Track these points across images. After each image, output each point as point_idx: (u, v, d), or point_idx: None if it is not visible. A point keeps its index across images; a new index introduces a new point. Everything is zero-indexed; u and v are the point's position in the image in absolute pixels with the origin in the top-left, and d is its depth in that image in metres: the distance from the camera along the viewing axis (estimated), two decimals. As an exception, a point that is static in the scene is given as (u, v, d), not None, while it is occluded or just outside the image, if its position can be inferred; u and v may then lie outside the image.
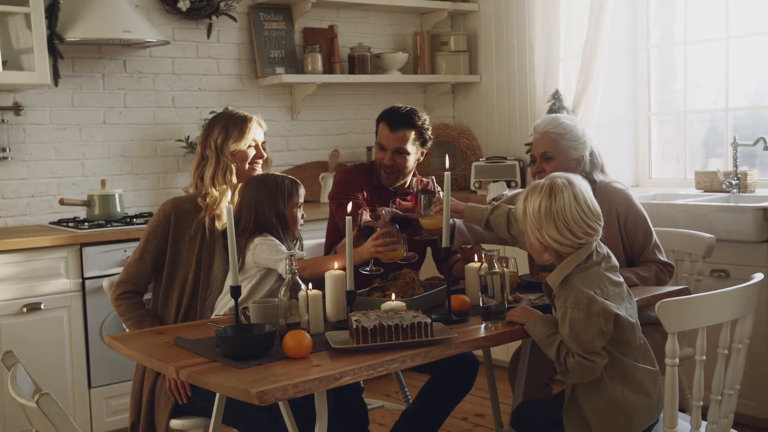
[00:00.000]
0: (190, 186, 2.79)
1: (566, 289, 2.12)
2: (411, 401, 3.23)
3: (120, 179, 4.16)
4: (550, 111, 4.46)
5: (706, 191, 4.09)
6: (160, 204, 2.77)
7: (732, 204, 3.64)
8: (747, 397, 3.28)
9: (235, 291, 2.20)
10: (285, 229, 2.66)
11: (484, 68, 5.18)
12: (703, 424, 2.12)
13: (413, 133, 3.02)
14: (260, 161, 2.81)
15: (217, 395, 2.34)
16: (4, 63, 3.62)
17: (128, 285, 2.66)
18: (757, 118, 4.31)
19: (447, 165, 2.42)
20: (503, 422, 3.05)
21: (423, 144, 3.08)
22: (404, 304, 2.30)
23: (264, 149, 2.81)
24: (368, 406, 3.01)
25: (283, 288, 2.18)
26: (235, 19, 4.46)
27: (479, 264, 2.41)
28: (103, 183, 3.90)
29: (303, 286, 2.20)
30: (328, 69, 4.71)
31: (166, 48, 4.26)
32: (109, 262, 3.57)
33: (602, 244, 2.23)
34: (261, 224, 2.63)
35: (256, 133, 2.77)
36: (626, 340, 2.13)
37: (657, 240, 2.79)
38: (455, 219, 2.73)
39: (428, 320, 2.11)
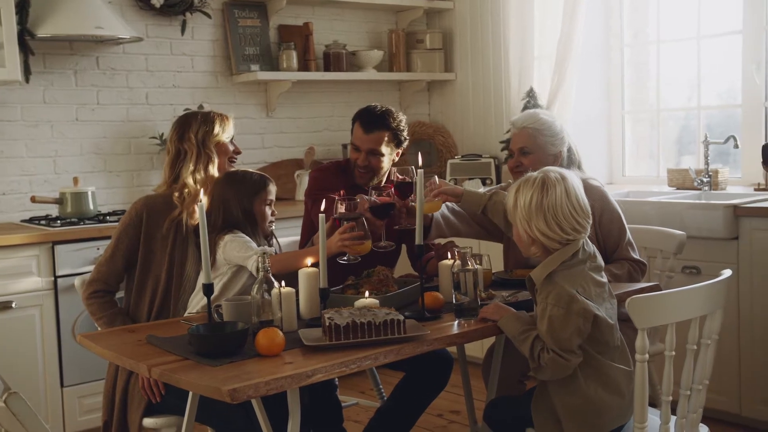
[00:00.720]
0: (162, 184, 2.77)
1: (549, 286, 2.14)
2: (386, 398, 3.24)
3: (93, 177, 4.13)
4: (525, 109, 4.48)
5: (678, 189, 4.13)
6: (133, 202, 2.75)
7: (703, 201, 3.68)
8: (716, 392, 3.33)
9: (208, 289, 2.20)
10: (254, 226, 2.65)
11: (459, 66, 5.19)
12: (673, 418, 2.14)
13: (388, 134, 2.99)
14: (237, 157, 2.83)
15: (191, 393, 2.33)
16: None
17: (99, 284, 2.64)
18: (728, 117, 4.36)
19: (420, 163, 2.43)
20: (477, 419, 3.06)
21: (398, 145, 3.07)
22: (377, 301, 2.30)
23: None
24: (343, 404, 3.02)
25: (256, 285, 2.18)
26: (209, 16, 4.44)
27: (453, 261, 2.43)
28: (75, 180, 3.86)
29: (276, 284, 2.20)
30: (303, 66, 4.70)
31: (140, 45, 4.23)
32: (81, 260, 3.54)
33: (589, 243, 2.25)
34: (229, 221, 2.62)
35: (233, 129, 2.81)
36: (604, 339, 2.15)
37: (630, 238, 2.82)
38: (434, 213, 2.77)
39: (401, 317, 2.11)
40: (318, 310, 2.35)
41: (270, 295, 2.19)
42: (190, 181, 2.67)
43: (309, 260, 2.41)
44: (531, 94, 4.51)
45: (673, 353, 2.06)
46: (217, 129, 2.72)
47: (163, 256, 2.64)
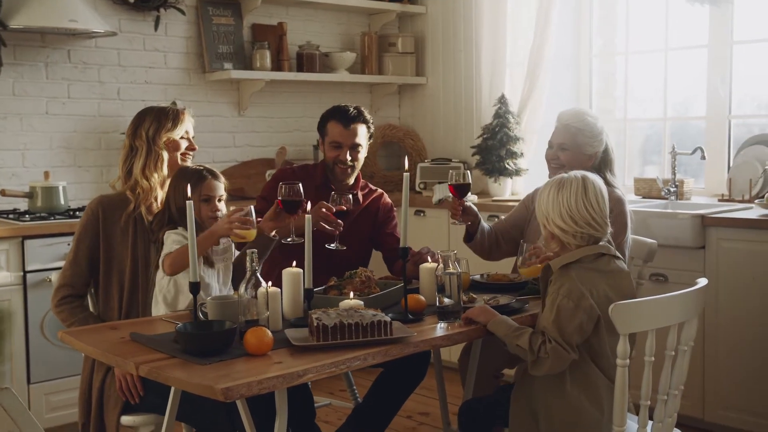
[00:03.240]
0: (117, 180, 2.76)
1: (562, 278, 2.22)
2: (359, 399, 3.26)
3: (62, 171, 4.07)
4: (497, 115, 4.55)
5: (644, 197, 4.22)
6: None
7: (671, 211, 3.77)
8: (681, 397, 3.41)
9: (194, 287, 2.19)
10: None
11: (430, 70, 5.23)
12: (649, 423, 2.20)
13: (365, 127, 3.14)
14: (192, 153, 2.80)
15: (172, 391, 2.32)
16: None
17: (66, 289, 2.60)
18: (682, 128, 4.48)
19: (406, 166, 2.45)
20: (450, 421, 3.10)
21: (370, 138, 3.20)
22: (362, 302, 2.32)
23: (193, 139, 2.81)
24: (315, 404, 3.02)
25: (244, 284, 2.18)
26: (183, 12, 4.41)
27: (435, 264, 2.46)
28: (46, 174, 3.81)
29: (263, 283, 2.20)
30: (277, 66, 4.70)
31: (113, 39, 4.19)
32: (51, 255, 3.49)
33: (624, 266, 2.32)
34: (170, 218, 2.58)
35: (188, 125, 2.78)
36: (601, 348, 2.21)
37: (627, 252, 2.89)
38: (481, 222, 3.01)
39: (388, 319, 2.13)
40: (301, 310, 2.37)
41: (256, 294, 2.20)
42: (140, 177, 2.65)
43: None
44: (502, 101, 4.57)
45: (653, 359, 2.12)
46: (168, 125, 2.69)
47: (125, 252, 2.62)
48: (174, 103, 4.19)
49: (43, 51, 4.02)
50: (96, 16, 3.94)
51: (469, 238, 3.05)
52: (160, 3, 4.31)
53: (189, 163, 2.77)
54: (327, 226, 2.77)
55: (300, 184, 2.61)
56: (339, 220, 2.78)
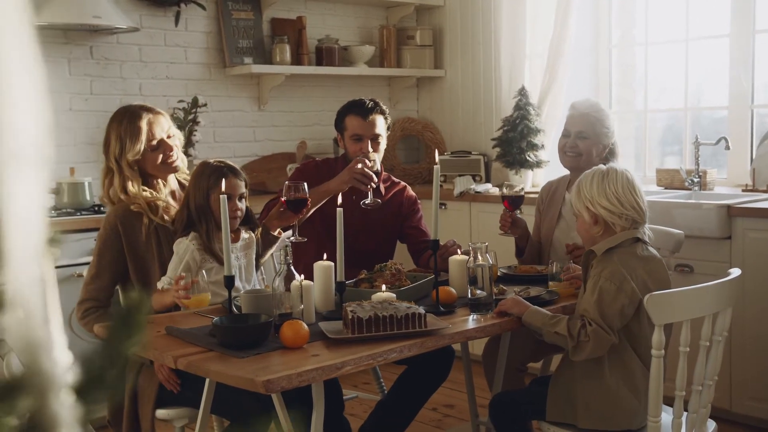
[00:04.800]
0: (103, 196, 2.68)
1: (605, 262, 2.24)
2: (386, 392, 3.27)
3: (86, 167, 4.09)
4: (517, 107, 4.54)
5: (666, 188, 4.21)
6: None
7: (696, 201, 3.76)
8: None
9: (229, 281, 2.20)
10: (209, 223, 2.52)
11: (449, 63, 5.23)
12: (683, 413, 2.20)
13: (382, 118, 3.15)
14: (172, 154, 2.67)
15: (206, 384, 2.34)
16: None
17: (90, 302, 2.58)
18: (699, 118, 4.46)
19: (436, 159, 2.46)
20: (478, 413, 3.10)
21: (388, 129, 3.22)
22: (394, 295, 2.33)
23: (172, 138, 2.67)
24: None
25: (278, 278, 2.19)
26: (203, 8, 4.42)
27: (466, 257, 2.46)
28: (72, 171, 3.83)
29: (297, 276, 2.21)
30: (296, 60, 4.71)
31: (134, 35, 4.20)
32: (79, 251, 3.52)
33: (657, 253, 2.34)
34: (188, 219, 2.54)
35: (153, 131, 2.62)
36: (642, 333, 2.23)
37: None
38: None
39: (422, 311, 2.14)
40: (333, 302, 2.38)
41: (290, 288, 2.21)
42: (124, 196, 2.58)
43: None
44: (522, 93, 4.56)
45: (687, 349, 2.12)
46: (127, 144, 2.57)
47: (152, 261, 2.60)
48: (195, 99, 4.23)
49: (65, 47, 4.04)
50: (118, 12, 3.96)
51: (519, 253, 3.08)
52: (181, -2, 4.32)
53: (178, 162, 2.69)
54: (361, 184, 2.85)
55: (305, 184, 2.63)
56: (373, 175, 2.85)
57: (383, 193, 3.22)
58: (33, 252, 0.41)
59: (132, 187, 2.58)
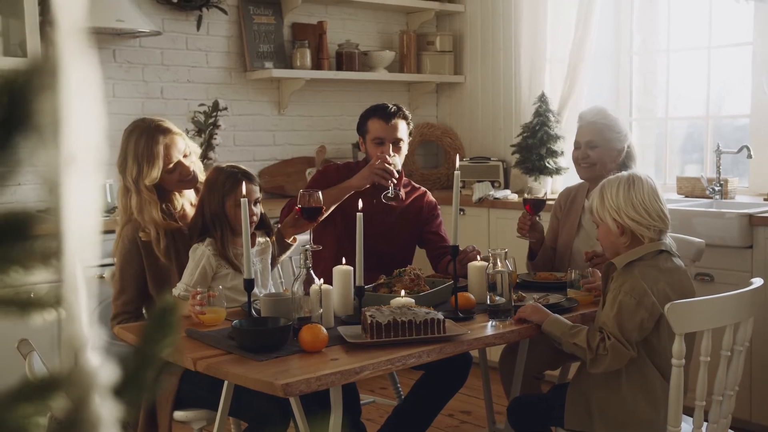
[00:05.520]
0: (121, 213, 2.67)
1: (626, 275, 2.22)
2: (403, 397, 3.26)
3: (108, 169, 4.11)
4: (537, 114, 4.53)
5: (687, 196, 4.18)
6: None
7: (717, 210, 3.73)
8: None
9: (249, 284, 2.21)
10: (224, 229, 2.53)
11: (468, 69, 5.23)
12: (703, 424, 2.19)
13: (404, 123, 3.15)
14: (190, 173, 2.67)
15: (225, 386, 2.35)
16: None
17: (122, 316, 2.59)
18: (719, 126, 4.43)
19: (457, 164, 2.46)
20: (495, 419, 3.10)
21: (410, 135, 3.21)
22: (413, 300, 2.33)
23: (188, 157, 2.67)
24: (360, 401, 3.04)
25: (297, 282, 2.20)
26: (225, 12, 4.45)
27: (486, 263, 2.46)
28: (92, 172, 3.86)
29: (316, 281, 2.22)
30: (317, 65, 4.72)
31: (156, 39, 4.24)
32: (100, 252, 3.54)
33: (682, 263, 2.32)
34: (203, 225, 2.54)
35: (170, 154, 2.62)
36: (661, 347, 2.21)
37: None
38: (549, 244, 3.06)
39: (441, 317, 2.14)
40: (352, 307, 2.38)
41: (309, 292, 2.21)
42: (140, 218, 2.57)
43: None
44: (542, 99, 4.55)
45: (708, 359, 2.11)
46: (144, 168, 2.56)
47: (172, 270, 2.60)
48: (216, 103, 4.24)
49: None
50: (141, 16, 3.99)
51: (531, 256, 3.07)
52: (203, 3, 4.35)
53: (195, 177, 2.68)
54: (382, 179, 2.89)
55: (320, 192, 2.64)
56: (394, 170, 2.91)
57: (404, 197, 3.22)
58: (85, 254, 0.42)
59: (152, 212, 2.57)
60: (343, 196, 2.96)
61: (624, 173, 2.36)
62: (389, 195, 2.89)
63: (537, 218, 2.98)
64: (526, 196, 2.97)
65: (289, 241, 2.76)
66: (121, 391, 0.41)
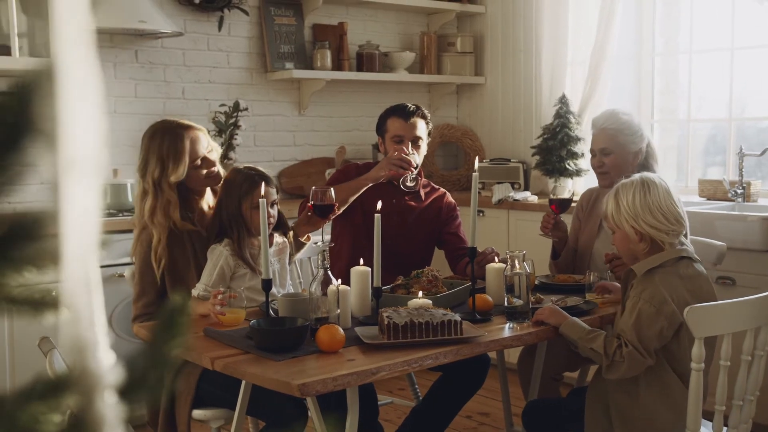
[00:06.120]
0: (136, 219, 2.65)
1: (646, 282, 2.20)
2: (420, 398, 3.26)
3: (129, 169, 4.13)
4: (557, 115, 4.51)
5: (709, 199, 4.15)
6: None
7: (740, 213, 3.70)
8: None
9: (267, 284, 2.22)
10: (242, 231, 2.53)
11: (489, 70, 5.22)
12: (724, 429, 2.17)
13: (424, 122, 3.15)
14: (215, 168, 2.67)
15: (242, 386, 2.36)
16: (19, 50, 3.60)
17: (143, 317, 2.60)
18: (741, 128, 4.39)
19: (475, 166, 2.46)
20: (513, 422, 3.09)
21: (429, 135, 3.21)
22: (431, 301, 2.33)
23: (211, 152, 2.67)
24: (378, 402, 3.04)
25: (314, 282, 2.21)
26: (246, 13, 4.47)
27: (503, 264, 2.46)
28: (114, 172, 3.89)
29: (334, 281, 2.22)
30: (337, 66, 4.73)
31: (178, 39, 4.26)
32: (120, 251, 3.57)
33: (703, 269, 2.30)
34: (220, 226, 2.55)
35: (196, 149, 2.61)
36: (681, 354, 2.19)
37: None
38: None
39: (458, 318, 2.14)
40: (369, 308, 2.39)
41: (326, 292, 2.22)
42: (149, 221, 2.55)
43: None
44: (563, 101, 4.53)
45: (728, 363, 2.09)
46: (170, 166, 2.55)
47: (189, 272, 2.60)
48: (237, 103, 4.26)
49: (111, 51, 4.11)
50: (163, 17, 4.02)
51: (554, 255, 3.05)
52: (225, 4, 4.37)
53: (219, 174, 2.68)
54: (399, 168, 2.93)
55: (332, 189, 2.65)
56: (411, 160, 2.95)
57: (423, 198, 3.22)
58: (86, 255, 0.43)
59: (170, 212, 2.55)
60: (361, 188, 2.97)
61: (636, 176, 2.31)
62: (407, 183, 2.90)
63: (560, 217, 2.98)
64: (551, 196, 2.95)
65: (302, 240, 2.77)
66: (130, 390, 0.42)
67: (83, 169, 0.43)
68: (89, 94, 0.45)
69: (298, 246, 2.79)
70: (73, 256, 0.42)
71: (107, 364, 0.44)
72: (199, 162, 2.62)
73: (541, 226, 3.00)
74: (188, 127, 2.64)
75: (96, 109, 0.46)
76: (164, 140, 2.58)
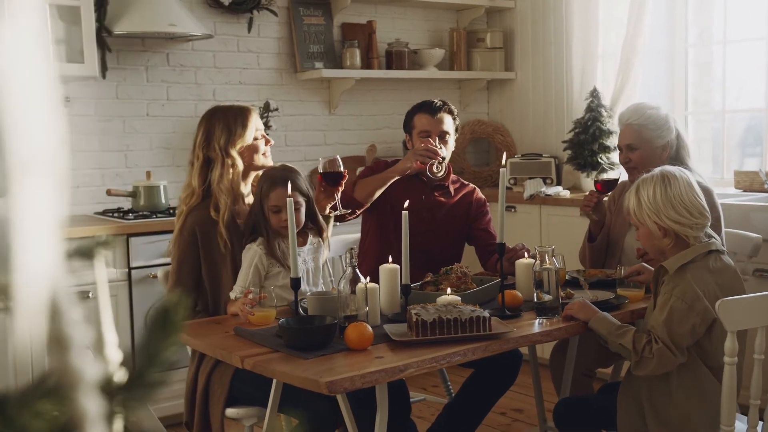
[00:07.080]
0: (193, 193, 2.66)
1: (677, 279, 2.17)
2: (453, 395, 3.26)
3: (161, 171, 4.21)
4: (589, 109, 4.48)
5: (745, 191, 4.09)
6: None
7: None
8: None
9: (295, 283, 2.24)
10: (268, 229, 2.53)
11: (519, 65, 5.19)
12: (759, 423, 2.13)
13: (450, 118, 3.15)
14: (268, 148, 2.76)
15: (273, 384, 2.38)
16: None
17: None
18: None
19: (503, 161, 2.45)
20: (546, 418, 3.07)
21: (456, 131, 3.21)
22: (459, 298, 2.32)
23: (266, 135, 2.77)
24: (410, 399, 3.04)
25: (343, 280, 2.22)
26: (275, 14, 4.50)
27: (533, 260, 2.44)
28: (148, 174, 3.94)
29: (362, 279, 2.23)
30: (366, 64, 4.74)
31: (208, 42, 4.31)
32: (154, 252, 3.62)
33: (731, 261, 2.27)
34: (251, 225, 2.57)
35: (257, 122, 2.73)
36: (713, 349, 2.16)
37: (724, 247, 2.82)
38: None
39: (486, 314, 2.13)
40: (398, 305, 2.39)
41: (355, 290, 2.23)
42: (218, 191, 2.60)
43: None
44: (594, 94, 4.49)
45: (762, 357, 2.06)
46: (238, 131, 2.63)
47: (226, 265, 2.62)
48: (267, 104, 4.30)
49: (143, 55, 4.17)
50: (193, 20, 4.06)
51: (591, 239, 3.03)
52: (254, 5, 4.40)
53: (269, 161, 2.74)
54: (426, 158, 2.91)
55: (338, 157, 2.71)
56: (437, 150, 2.94)
57: (452, 193, 3.21)
58: (45, 259, 0.43)
59: (236, 176, 2.63)
60: (388, 181, 2.98)
61: (656, 170, 2.27)
62: (434, 169, 2.90)
63: (604, 198, 2.95)
64: (599, 176, 2.93)
65: (326, 214, 2.77)
66: (125, 389, 0.43)
67: (38, 171, 0.44)
68: (44, 93, 0.46)
69: (327, 221, 2.76)
70: (29, 261, 0.42)
71: (112, 361, 0.45)
72: (260, 134, 2.72)
73: (582, 204, 2.97)
74: (249, 107, 2.77)
75: (52, 108, 0.47)
76: (229, 112, 2.70)
